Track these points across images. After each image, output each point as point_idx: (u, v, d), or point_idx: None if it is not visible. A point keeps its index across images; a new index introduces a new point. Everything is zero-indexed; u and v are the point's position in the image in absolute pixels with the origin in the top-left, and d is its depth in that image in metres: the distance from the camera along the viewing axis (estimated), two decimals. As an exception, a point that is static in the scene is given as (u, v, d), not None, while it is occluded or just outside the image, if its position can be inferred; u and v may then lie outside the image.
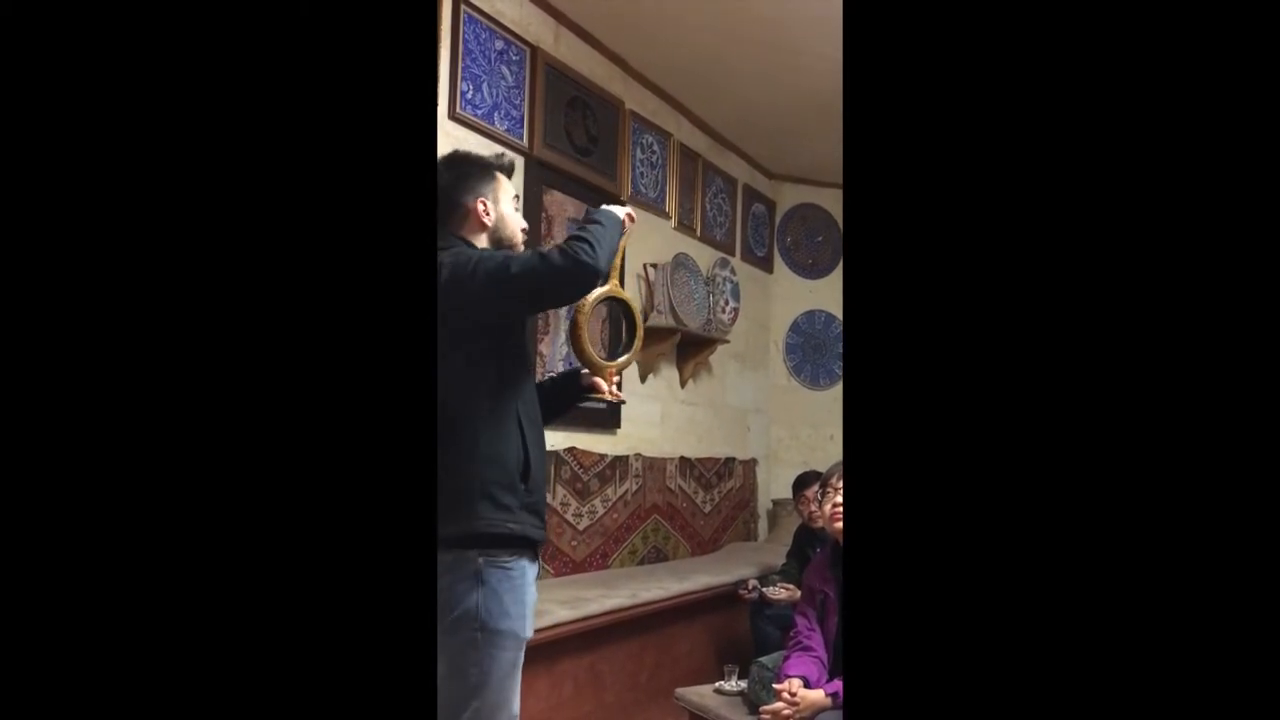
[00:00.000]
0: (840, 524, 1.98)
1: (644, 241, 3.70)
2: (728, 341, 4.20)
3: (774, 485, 4.76)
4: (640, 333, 1.77)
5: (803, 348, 4.97)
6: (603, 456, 3.41)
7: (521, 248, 1.60)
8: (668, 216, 3.92)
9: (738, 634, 3.22)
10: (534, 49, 3.09)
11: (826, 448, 4.75)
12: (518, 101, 3.04)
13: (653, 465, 3.73)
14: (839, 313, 4.81)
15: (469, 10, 2.79)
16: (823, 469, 2.47)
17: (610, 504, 3.44)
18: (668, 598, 2.96)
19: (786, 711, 1.82)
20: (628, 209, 1.55)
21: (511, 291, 1.40)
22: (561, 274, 1.37)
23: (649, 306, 3.71)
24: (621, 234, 1.53)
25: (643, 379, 3.77)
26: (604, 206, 1.53)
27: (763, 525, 4.70)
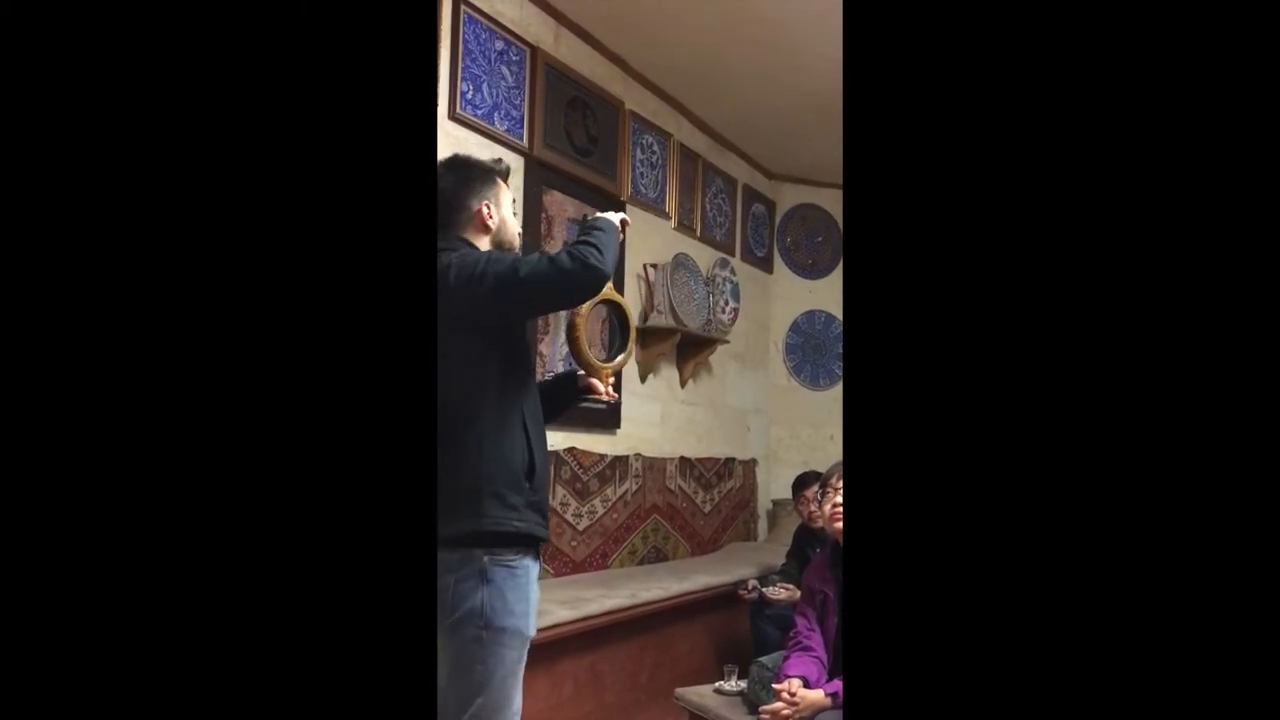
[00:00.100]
0: (840, 524, 1.98)
1: (644, 241, 3.70)
2: (728, 342, 4.20)
3: (774, 485, 4.76)
4: (634, 335, 1.84)
5: (803, 348, 4.97)
6: (602, 456, 3.41)
7: (519, 252, 1.63)
8: (668, 217, 3.92)
9: (738, 634, 3.22)
10: (534, 49, 3.09)
11: (826, 448, 4.75)
12: (518, 102, 3.04)
13: (653, 465, 3.73)
14: (839, 313, 4.81)
15: (469, 10, 2.79)
16: (823, 469, 2.47)
17: (610, 504, 3.44)
18: (668, 598, 2.96)
19: (786, 711, 1.82)
20: (622, 215, 1.58)
21: (521, 294, 1.42)
22: (571, 277, 1.40)
23: (649, 307, 3.71)
24: (619, 239, 1.56)
25: (643, 379, 3.77)
26: (599, 214, 1.56)
27: (763, 525, 4.70)
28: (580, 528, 3.27)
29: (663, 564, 3.63)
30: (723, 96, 3.89)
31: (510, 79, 2.99)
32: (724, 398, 4.42)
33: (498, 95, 2.93)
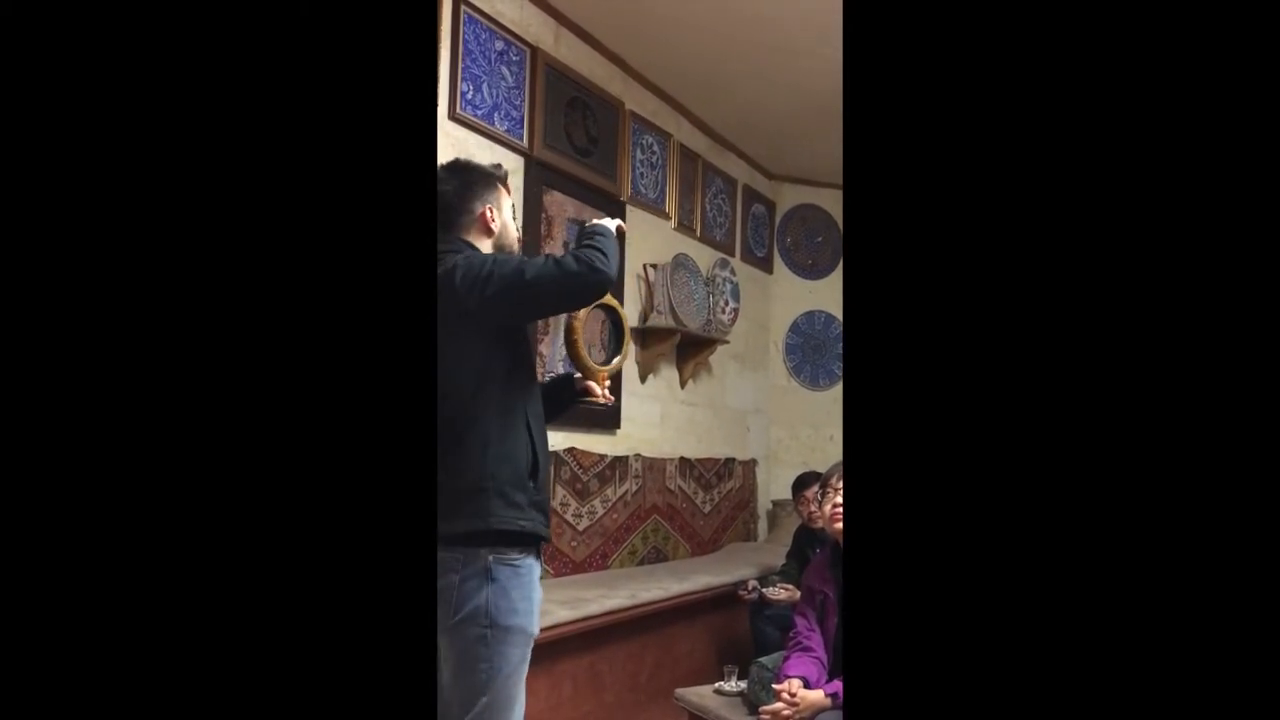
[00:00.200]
0: (840, 524, 1.98)
1: (644, 242, 3.70)
2: (727, 342, 4.20)
3: (774, 486, 4.76)
4: (629, 338, 1.89)
5: (802, 348, 4.97)
6: (602, 457, 3.41)
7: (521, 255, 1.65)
8: (667, 217, 3.92)
9: (737, 634, 3.23)
10: (534, 49, 3.09)
11: (826, 448, 4.75)
12: (518, 102, 3.04)
13: (652, 466, 3.73)
14: (839, 313, 4.81)
15: (469, 10, 2.79)
16: (822, 469, 2.47)
17: (610, 504, 3.44)
18: (668, 598, 2.96)
19: (786, 712, 1.82)
20: (618, 220, 1.61)
21: (527, 296, 1.44)
22: (577, 279, 1.41)
23: (649, 307, 3.71)
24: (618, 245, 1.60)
25: (643, 379, 3.77)
26: (596, 220, 1.59)
27: (762, 526, 4.70)
28: (580, 528, 3.27)
29: (663, 564, 3.63)
30: (722, 97, 3.89)
31: (510, 79, 2.99)
32: (724, 398, 4.42)
33: (498, 95, 2.93)
